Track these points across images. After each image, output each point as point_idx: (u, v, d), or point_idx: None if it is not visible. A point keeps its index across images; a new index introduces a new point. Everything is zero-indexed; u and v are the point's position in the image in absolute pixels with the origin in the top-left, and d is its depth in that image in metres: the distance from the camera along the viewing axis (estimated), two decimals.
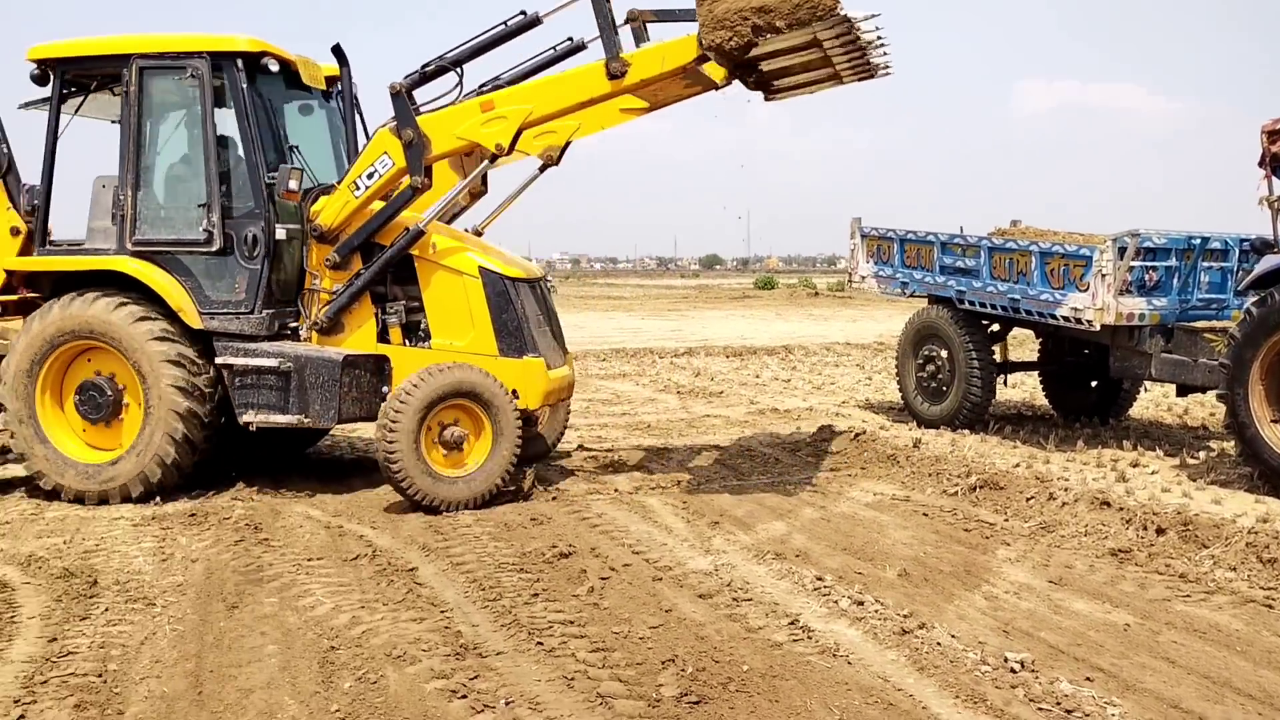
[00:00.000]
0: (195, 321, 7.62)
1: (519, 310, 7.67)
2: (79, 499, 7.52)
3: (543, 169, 7.89)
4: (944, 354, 10.89)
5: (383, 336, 7.83)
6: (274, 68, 7.72)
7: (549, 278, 8.87)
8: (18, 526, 6.88)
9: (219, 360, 7.63)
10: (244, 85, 7.61)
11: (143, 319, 7.53)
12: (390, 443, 7.01)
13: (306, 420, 7.53)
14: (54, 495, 7.58)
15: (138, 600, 5.34)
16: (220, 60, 7.62)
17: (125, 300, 7.58)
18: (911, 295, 11.52)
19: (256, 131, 7.66)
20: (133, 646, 4.69)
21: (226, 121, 7.77)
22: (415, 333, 7.87)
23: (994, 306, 10.39)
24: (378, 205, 7.68)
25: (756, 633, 4.85)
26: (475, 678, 4.28)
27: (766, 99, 7.62)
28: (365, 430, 9.61)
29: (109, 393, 7.62)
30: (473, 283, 7.65)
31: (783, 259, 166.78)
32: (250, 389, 7.59)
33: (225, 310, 7.68)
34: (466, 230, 8.62)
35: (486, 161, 7.83)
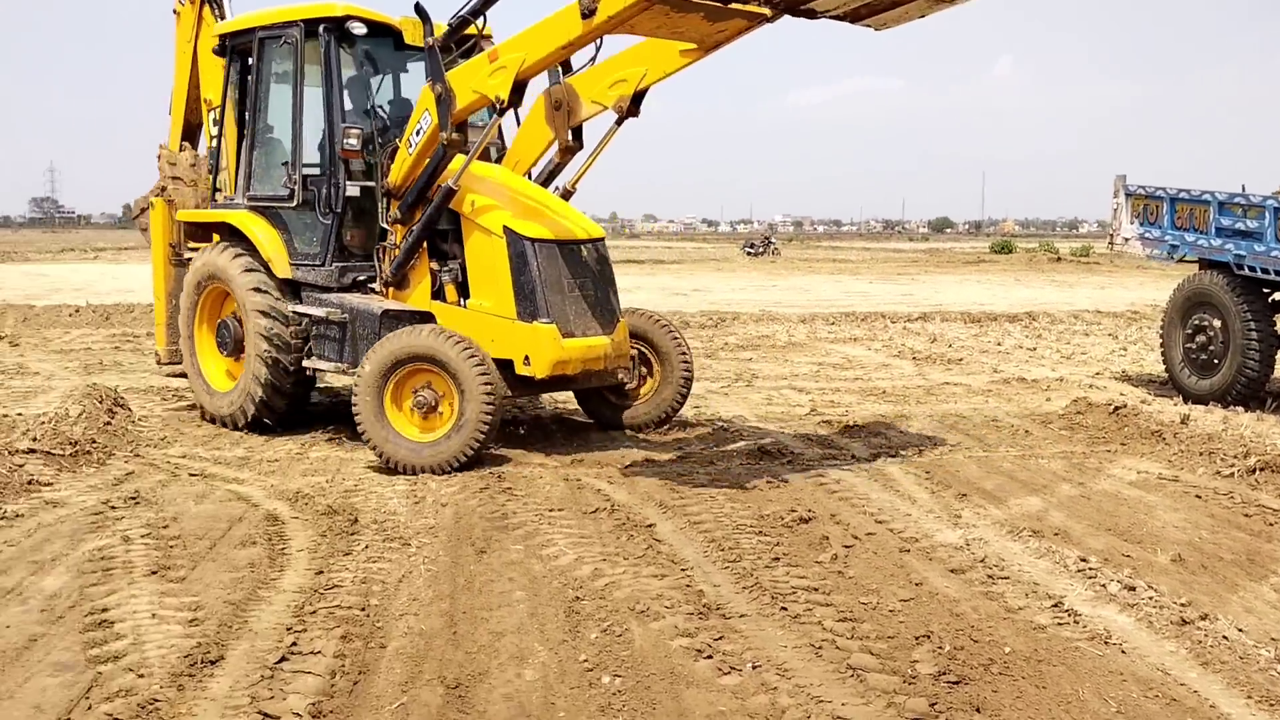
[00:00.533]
0: (282, 271, 8.18)
1: (535, 273, 7.33)
2: (208, 419, 8.75)
3: (619, 121, 7.73)
4: (1217, 324, 9.96)
5: (439, 294, 7.84)
6: (359, 30, 8.00)
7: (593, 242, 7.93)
8: (285, 465, 7.34)
9: (299, 308, 8.12)
10: (326, 49, 7.95)
11: (247, 269, 8.25)
12: (356, 408, 7.16)
13: (351, 370, 7.69)
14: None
15: (394, 540, 5.56)
16: (311, 26, 8.03)
17: (241, 251, 8.36)
18: (1181, 260, 10.61)
19: (333, 93, 7.99)
20: (391, 583, 4.88)
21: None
22: (467, 292, 7.81)
23: (1279, 273, 9.37)
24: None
25: (1017, 613, 4.53)
26: (720, 638, 4.19)
27: (877, 30, 6.77)
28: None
29: (233, 332, 8.53)
30: (498, 242, 7.46)
31: (1019, 222, 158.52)
32: (318, 338, 8.07)
33: (306, 262, 8.16)
34: (557, 189, 8.42)
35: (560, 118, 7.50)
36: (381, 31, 8.18)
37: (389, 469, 7.10)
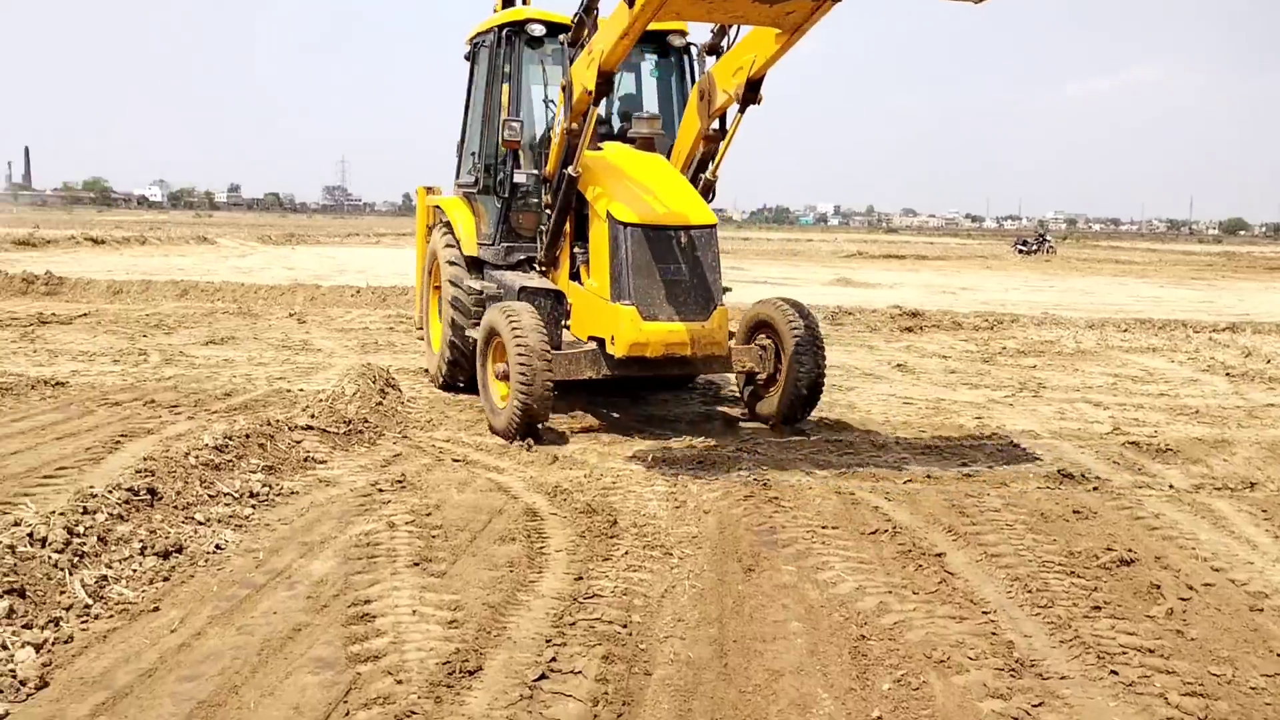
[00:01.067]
0: (469, 249, 9.18)
1: (624, 256, 7.42)
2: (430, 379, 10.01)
3: (741, 109, 7.76)
4: None
5: (575, 274, 8.16)
6: (538, 31, 8.63)
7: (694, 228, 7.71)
8: (543, 455, 7.17)
9: (473, 283, 8.89)
10: (510, 50, 8.72)
11: (448, 246, 9.43)
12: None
13: None
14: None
15: (655, 548, 5.20)
16: (501, 31, 8.82)
17: (448, 232, 9.53)
18: None
19: (505, 88, 8.69)
20: (654, 598, 4.50)
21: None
22: None
23: None
24: (587, 150, 7.82)
25: None
26: (1039, 705, 3.53)
27: (976, 2, 6.12)
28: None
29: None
30: (602, 226, 7.62)
31: None
32: (483, 310, 8.53)
33: (485, 242, 9.08)
34: (700, 177, 8.31)
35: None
36: (564, 30, 8.26)
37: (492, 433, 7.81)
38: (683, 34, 9.04)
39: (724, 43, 7.89)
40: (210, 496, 5.48)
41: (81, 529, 4.52)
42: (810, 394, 8.11)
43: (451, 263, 9.19)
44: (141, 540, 4.72)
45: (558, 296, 8.14)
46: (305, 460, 6.60)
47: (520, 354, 7.28)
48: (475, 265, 9.12)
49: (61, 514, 4.57)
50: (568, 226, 8.21)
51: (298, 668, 3.71)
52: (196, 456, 5.76)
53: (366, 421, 7.63)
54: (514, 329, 7.41)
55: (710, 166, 8.27)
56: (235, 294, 18.00)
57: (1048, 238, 53.74)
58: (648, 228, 7.48)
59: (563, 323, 8.13)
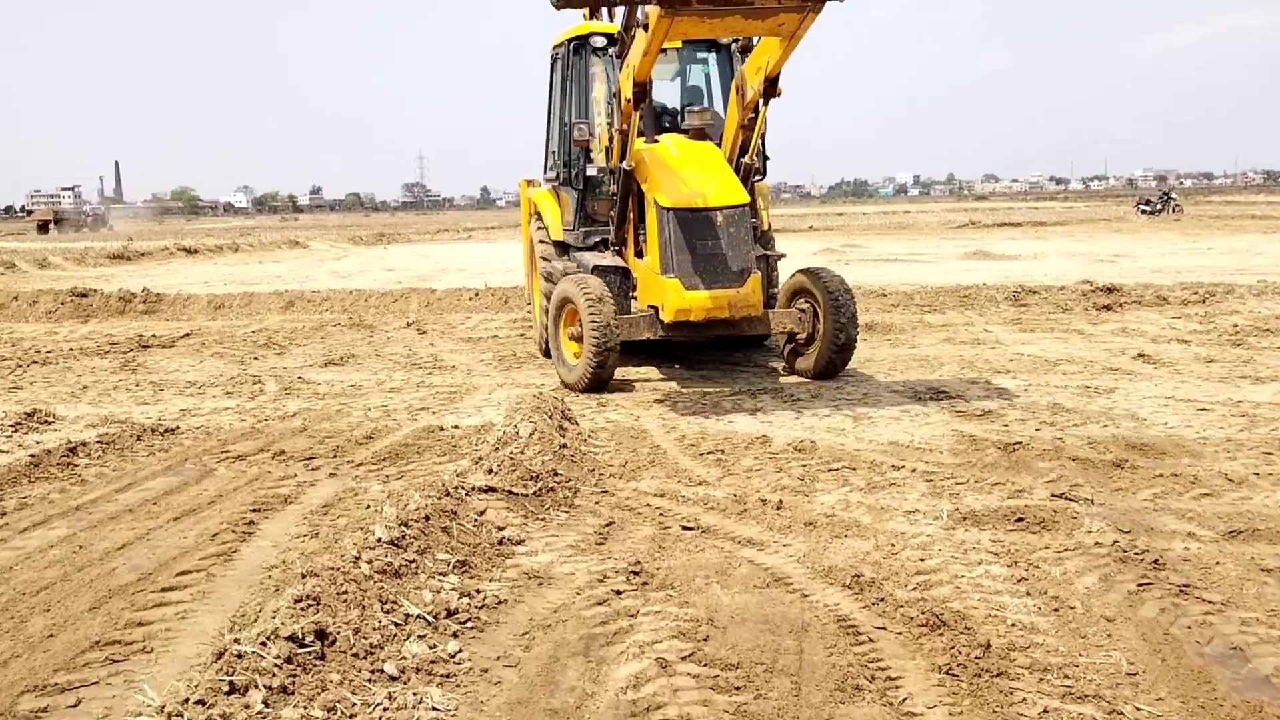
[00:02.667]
0: (555, 235, 10.35)
1: (667, 235, 8.55)
2: None
3: (765, 101, 8.71)
4: None
5: (639, 253, 9.34)
6: (600, 42, 9.88)
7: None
8: (794, 508, 5.39)
9: (559, 263, 10.05)
10: (576, 59, 10.15)
11: (539, 229, 10.81)
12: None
13: None
14: None
15: (1081, 698, 3.39)
16: (570, 43, 10.19)
17: (541, 222, 10.76)
18: None
19: (575, 94, 10.22)
20: None
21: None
22: None
23: None
24: (638, 143, 9.00)
25: None
26: None
27: None
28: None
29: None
30: (652, 210, 8.73)
31: None
32: None
33: (568, 228, 10.20)
34: (741, 162, 9.24)
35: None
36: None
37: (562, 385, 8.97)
38: None
39: (753, 41, 8.93)
40: (397, 627, 3.82)
41: None
42: (843, 351, 9.12)
43: (542, 242, 10.56)
44: None
45: (625, 272, 9.52)
46: (500, 543, 4.91)
47: (591, 315, 8.52)
48: (563, 248, 10.26)
49: (200, 704, 2.93)
50: (630, 212, 9.37)
51: None
52: (370, 562, 4.10)
53: (556, 474, 5.94)
54: (586, 296, 8.64)
55: (749, 151, 9.22)
56: (344, 303, 16.58)
57: (1173, 196, 50.24)
58: (683, 210, 8.57)
59: (631, 294, 9.49)
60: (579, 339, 8.82)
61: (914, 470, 6.22)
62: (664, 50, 9.52)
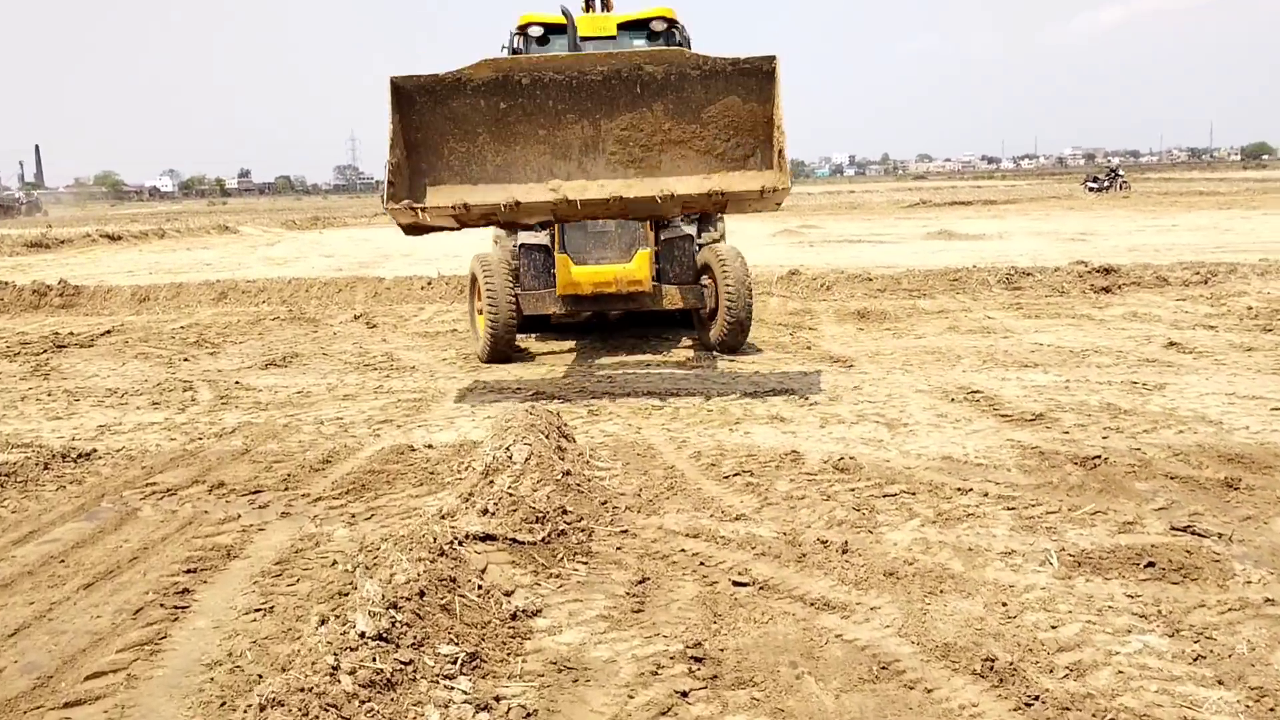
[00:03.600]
0: None
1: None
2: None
3: None
4: None
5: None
6: (535, 32, 10.44)
7: None
8: (872, 561, 4.37)
9: (510, 241, 10.23)
10: (521, 48, 10.50)
11: None
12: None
13: None
14: None
15: None
16: (513, 32, 10.59)
17: None
18: None
19: None
20: None
21: None
22: None
23: None
24: None
25: None
26: None
27: None
28: None
29: None
30: None
31: None
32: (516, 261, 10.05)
33: None
34: None
35: None
36: (558, 29, 10.36)
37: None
38: (664, 18, 10.43)
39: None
40: None
41: None
42: (739, 325, 9.29)
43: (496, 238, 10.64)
44: None
45: (548, 250, 9.60)
46: (514, 617, 3.81)
47: (488, 288, 9.01)
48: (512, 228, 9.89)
49: None
50: None
51: None
52: (353, 672, 2.97)
53: (564, 512, 4.84)
54: (485, 271, 9.14)
55: None
56: (282, 293, 15.21)
57: (1120, 173, 50.25)
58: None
59: (552, 271, 9.54)
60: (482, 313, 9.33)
61: (985, 495, 5.23)
62: (598, 38, 10.38)
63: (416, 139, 7.45)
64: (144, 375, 9.51)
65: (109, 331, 12.42)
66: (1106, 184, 47.73)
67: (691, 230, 10.11)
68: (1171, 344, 9.23)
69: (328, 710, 2.76)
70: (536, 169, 7.50)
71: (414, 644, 3.30)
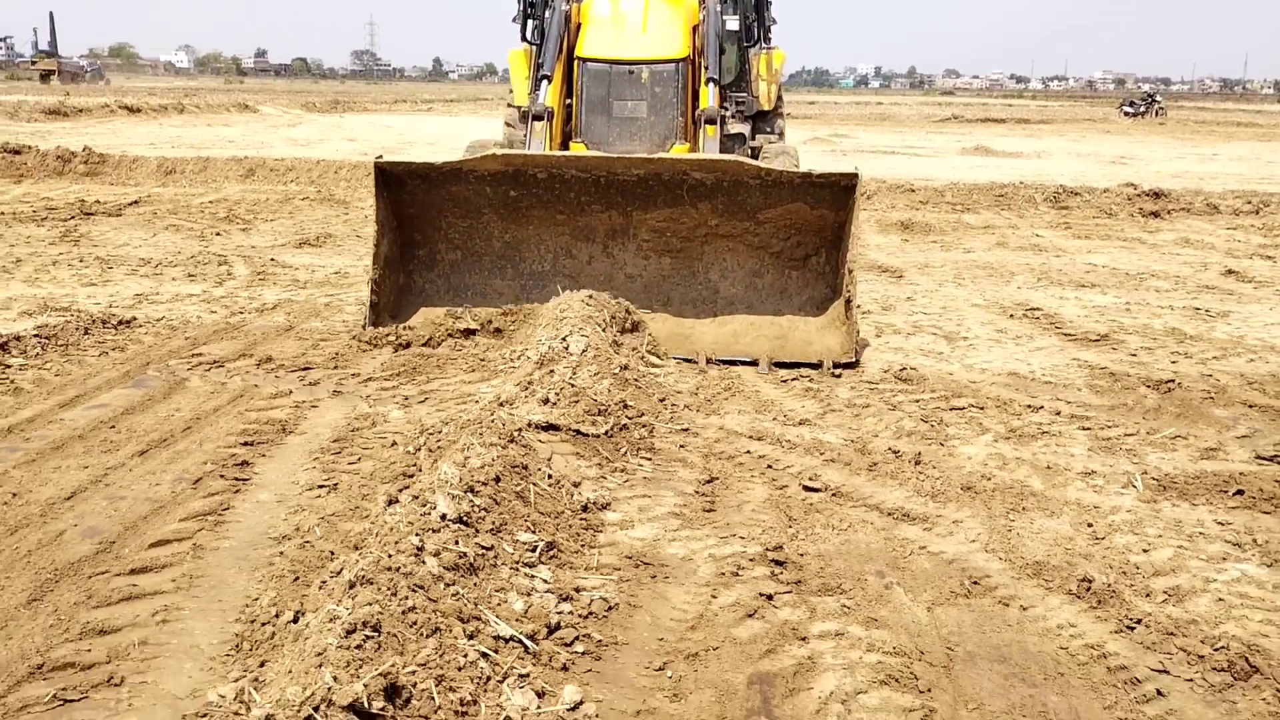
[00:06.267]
0: (517, 99, 8.52)
1: (580, 92, 7.40)
2: None
3: None
4: None
5: None
6: None
7: None
8: (950, 474, 4.23)
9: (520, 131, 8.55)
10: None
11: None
12: None
13: None
14: None
15: None
16: None
17: None
18: None
19: None
20: None
21: None
22: None
23: None
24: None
25: None
26: None
27: None
28: None
29: None
30: (576, 66, 7.52)
31: None
32: None
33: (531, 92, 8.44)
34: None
35: None
36: None
37: None
38: None
39: None
40: (488, 661, 2.60)
41: None
42: None
43: (509, 106, 8.88)
44: None
45: (566, 139, 7.59)
46: (584, 510, 3.69)
47: None
48: (525, 117, 8.12)
49: None
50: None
51: None
52: (438, 554, 2.85)
53: (625, 406, 4.69)
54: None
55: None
56: (310, 174, 14.90)
57: (1158, 99, 49.06)
58: (599, 63, 7.26)
59: None
60: None
61: (1058, 413, 5.07)
62: None
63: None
64: (176, 247, 9.32)
65: (136, 202, 12.19)
66: (1143, 109, 46.65)
67: (744, 129, 8.69)
68: (1230, 272, 8.98)
69: (415, 591, 2.64)
70: (553, 249, 6.33)
71: (493, 529, 3.18)
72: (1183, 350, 6.32)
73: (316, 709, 2.11)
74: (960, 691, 2.69)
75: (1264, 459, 4.45)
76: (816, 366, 5.69)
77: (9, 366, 5.35)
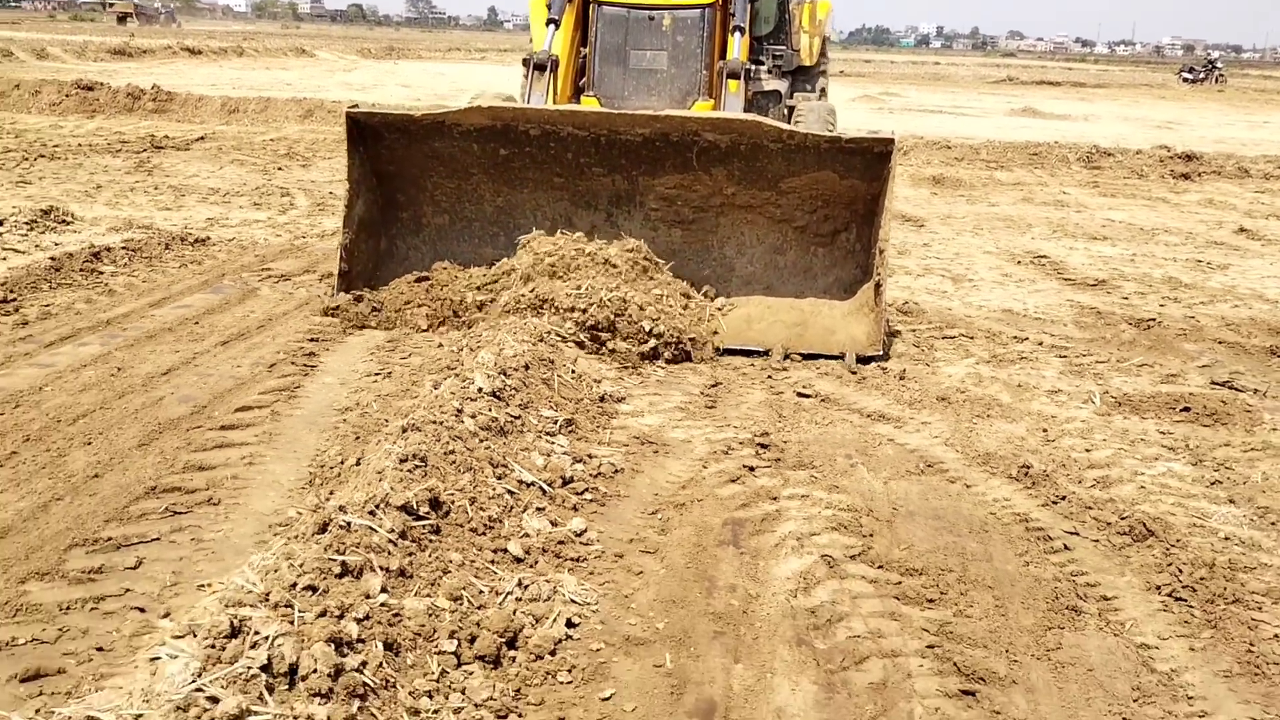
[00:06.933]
0: (535, 46, 7.42)
1: (593, 40, 6.70)
2: None
3: None
4: None
5: None
6: None
7: None
8: (925, 386, 4.76)
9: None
10: None
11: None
12: None
13: None
14: None
15: None
16: None
17: None
18: None
19: None
20: None
21: None
22: None
23: None
24: None
25: None
26: None
27: None
28: None
29: None
30: (591, 10, 6.81)
31: None
32: None
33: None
34: None
35: None
36: None
37: None
38: None
39: None
40: (512, 496, 3.21)
41: (353, 625, 2.28)
42: None
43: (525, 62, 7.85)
44: (453, 632, 2.48)
45: (578, 92, 6.88)
46: (602, 400, 4.29)
47: None
48: (542, 68, 7.24)
49: (311, 590, 2.33)
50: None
51: None
52: (474, 417, 3.46)
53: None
54: None
55: None
56: None
57: (1218, 66, 48.22)
58: (615, 7, 6.50)
59: None
60: None
61: (1040, 344, 5.57)
62: None
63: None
64: (241, 179, 9.99)
65: (202, 138, 12.91)
66: (1202, 76, 45.91)
67: (780, 85, 7.96)
68: (1242, 230, 9.32)
69: (455, 440, 3.25)
70: (550, 216, 5.62)
71: (521, 404, 3.79)
72: (1174, 296, 6.76)
73: (377, 507, 2.73)
74: (896, 537, 3.26)
75: (1217, 383, 4.93)
76: (838, 358, 5.14)
77: (102, 273, 6.03)
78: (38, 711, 2.25)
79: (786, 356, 5.13)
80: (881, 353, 5.10)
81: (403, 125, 5.45)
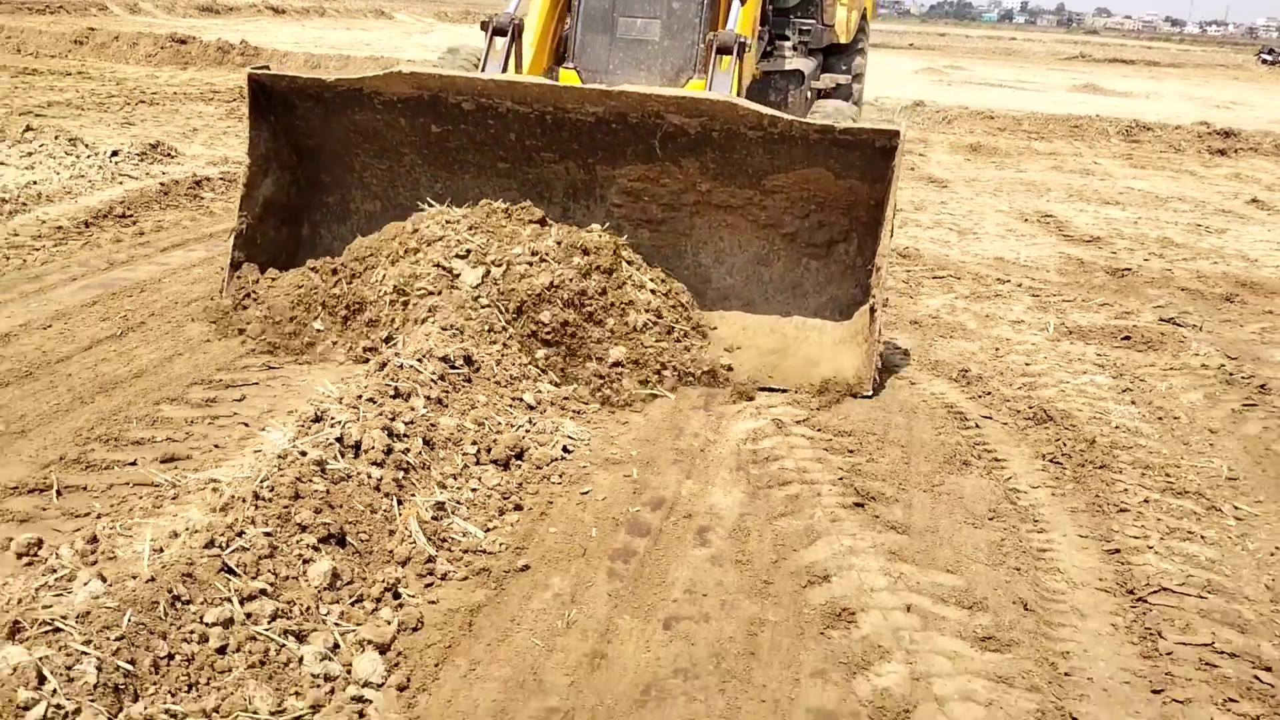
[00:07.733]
0: None
1: (577, 6, 5.86)
2: None
3: None
4: None
5: None
6: None
7: None
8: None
9: None
10: None
11: None
12: None
13: None
14: None
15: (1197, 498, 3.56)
16: None
17: None
18: None
19: None
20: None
21: None
22: None
23: None
24: None
25: None
26: None
27: None
28: None
29: None
30: None
31: None
32: None
33: None
34: None
35: None
36: None
37: None
38: None
39: None
40: (537, 369, 4.06)
41: (401, 425, 3.14)
42: None
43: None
44: (474, 442, 3.33)
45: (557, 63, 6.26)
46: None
47: None
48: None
49: (372, 401, 3.19)
50: None
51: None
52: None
53: None
54: None
55: None
56: None
57: None
58: None
59: None
60: None
61: (1020, 285, 6.26)
62: None
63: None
64: None
65: None
66: None
67: (805, 65, 6.98)
68: (1254, 201, 9.79)
69: (483, 325, 4.10)
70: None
71: None
72: (1160, 253, 7.36)
73: (424, 356, 3.58)
74: (838, 411, 4.04)
75: (1165, 320, 5.59)
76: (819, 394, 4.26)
77: (203, 198, 7.00)
78: (174, 478, 3.14)
79: (743, 396, 4.16)
80: (870, 393, 4.21)
81: (315, 92, 4.73)
